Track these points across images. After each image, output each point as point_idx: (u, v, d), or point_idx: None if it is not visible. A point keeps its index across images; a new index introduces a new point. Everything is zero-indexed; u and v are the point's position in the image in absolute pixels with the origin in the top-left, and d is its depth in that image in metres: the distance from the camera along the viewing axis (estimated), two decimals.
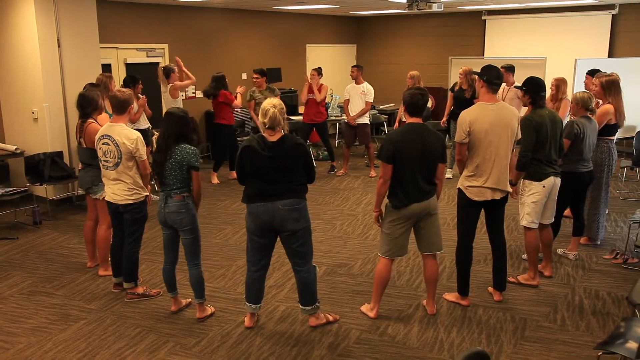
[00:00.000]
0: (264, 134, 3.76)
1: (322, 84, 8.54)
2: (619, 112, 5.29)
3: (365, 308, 4.33)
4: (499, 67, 4.37)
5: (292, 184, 3.77)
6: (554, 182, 4.55)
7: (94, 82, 5.91)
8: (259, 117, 3.81)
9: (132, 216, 4.39)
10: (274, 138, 3.72)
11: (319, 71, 8.55)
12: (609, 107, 5.28)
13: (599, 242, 5.62)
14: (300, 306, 4.05)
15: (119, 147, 4.24)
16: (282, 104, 3.80)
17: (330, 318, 4.17)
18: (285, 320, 4.21)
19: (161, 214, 4.08)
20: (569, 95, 6.17)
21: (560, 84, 6.13)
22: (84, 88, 5.32)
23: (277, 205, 3.74)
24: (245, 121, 10.12)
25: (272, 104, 3.73)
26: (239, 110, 9.56)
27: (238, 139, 9.51)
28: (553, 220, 4.76)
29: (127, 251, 4.46)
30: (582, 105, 4.95)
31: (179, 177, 3.97)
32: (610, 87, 5.32)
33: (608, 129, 5.33)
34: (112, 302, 4.52)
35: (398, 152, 3.83)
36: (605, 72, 5.55)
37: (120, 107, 4.32)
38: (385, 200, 4.04)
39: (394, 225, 3.99)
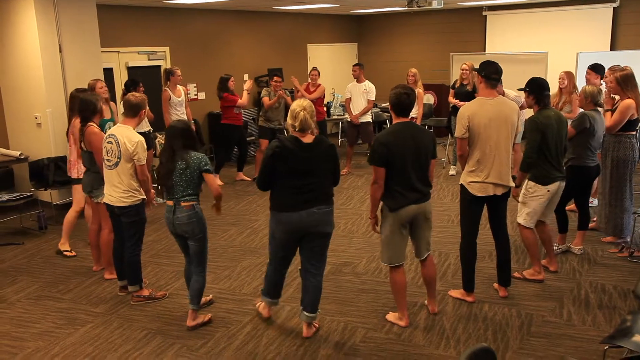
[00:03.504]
0: (294, 135, 3.65)
1: (319, 84, 8.58)
2: (639, 105, 5.13)
3: (393, 317, 4.16)
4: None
5: (324, 188, 3.72)
6: (559, 186, 4.53)
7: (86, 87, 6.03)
8: (288, 119, 3.68)
9: (129, 219, 4.40)
10: (308, 140, 3.64)
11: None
12: (630, 102, 5.09)
13: (629, 239, 5.47)
14: (306, 313, 3.93)
15: (120, 147, 4.27)
16: (312, 106, 3.71)
17: (316, 325, 4.09)
18: (291, 320, 4.22)
19: (170, 224, 4.05)
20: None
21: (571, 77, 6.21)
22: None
23: (312, 210, 3.67)
24: (247, 122, 10.13)
25: (302, 106, 3.63)
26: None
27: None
28: (550, 218, 4.76)
29: (128, 254, 4.47)
30: (592, 100, 4.93)
31: (188, 183, 3.92)
32: (626, 82, 5.12)
33: (630, 124, 5.18)
34: (119, 306, 4.53)
35: (391, 154, 3.75)
36: (618, 66, 5.45)
37: (132, 110, 4.36)
38: (380, 204, 3.99)
39: (393, 230, 3.91)
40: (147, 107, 7.10)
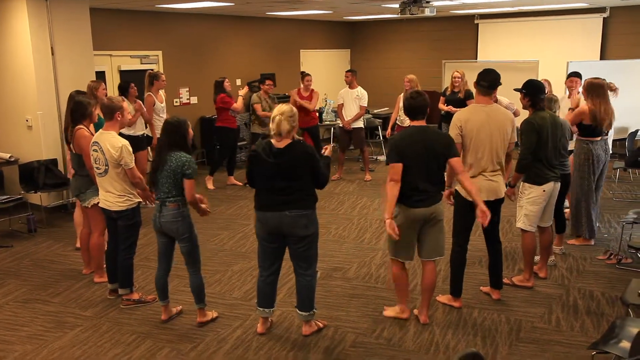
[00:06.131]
0: (270, 140, 3.73)
1: (313, 90, 8.61)
2: (593, 115, 5.25)
3: (393, 312, 4.25)
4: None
5: (300, 192, 3.71)
6: (554, 186, 4.55)
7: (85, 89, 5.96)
8: (270, 124, 3.73)
9: (125, 222, 4.40)
10: (281, 145, 3.67)
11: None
12: (583, 108, 5.33)
13: (592, 243, 5.67)
14: (298, 311, 4.00)
15: (105, 154, 4.27)
16: (293, 110, 3.72)
17: (320, 325, 4.14)
18: (281, 325, 4.22)
19: (156, 223, 4.07)
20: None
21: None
22: (76, 92, 5.36)
23: (284, 213, 3.71)
24: (239, 127, 10.12)
25: (280, 111, 3.67)
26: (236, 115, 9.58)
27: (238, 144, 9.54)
28: (551, 222, 4.79)
29: (121, 258, 4.46)
30: (547, 106, 4.92)
31: (173, 185, 3.96)
32: (590, 90, 5.32)
33: (586, 131, 5.37)
34: (108, 309, 4.51)
35: (404, 154, 3.79)
36: (602, 79, 5.58)
37: (107, 114, 4.35)
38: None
39: (402, 230, 3.90)
40: (143, 109, 7.02)
